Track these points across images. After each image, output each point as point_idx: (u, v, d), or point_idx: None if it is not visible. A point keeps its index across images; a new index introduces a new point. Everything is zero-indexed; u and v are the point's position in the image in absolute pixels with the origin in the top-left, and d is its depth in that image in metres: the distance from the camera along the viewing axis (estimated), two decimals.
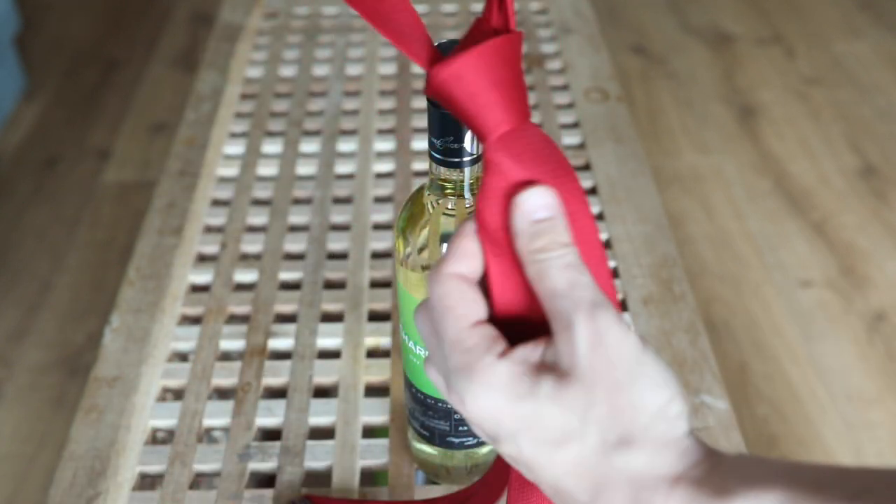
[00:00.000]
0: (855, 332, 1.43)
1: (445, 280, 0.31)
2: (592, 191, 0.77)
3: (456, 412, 0.48)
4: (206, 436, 0.60)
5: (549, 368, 0.29)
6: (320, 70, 0.94)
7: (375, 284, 0.69)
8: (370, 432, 0.59)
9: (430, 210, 0.44)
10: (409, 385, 0.50)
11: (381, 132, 0.85)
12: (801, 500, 0.26)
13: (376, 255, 0.71)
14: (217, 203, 0.78)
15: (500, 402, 0.29)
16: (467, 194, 0.42)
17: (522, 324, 0.32)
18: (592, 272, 0.31)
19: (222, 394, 0.63)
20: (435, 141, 0.40)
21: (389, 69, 0.93)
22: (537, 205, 0.30)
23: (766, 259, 1.56)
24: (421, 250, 0.46)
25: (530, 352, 0.30)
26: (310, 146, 0.83)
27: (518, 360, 0.30)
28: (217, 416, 0.59)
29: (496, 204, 0.31)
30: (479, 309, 0.31)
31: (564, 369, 0.29)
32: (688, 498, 0.28)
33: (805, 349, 1.40)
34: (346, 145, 0.83)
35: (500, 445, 0.30)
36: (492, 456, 0.53)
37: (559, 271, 0.30)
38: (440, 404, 0.49)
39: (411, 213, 0.46)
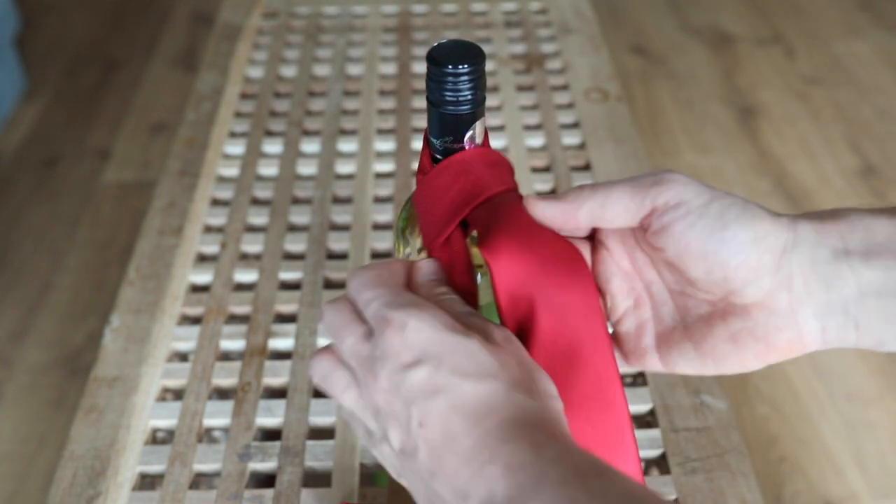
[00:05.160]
0: None
1: (428, 261, 0.39)
2: None
3: None
4: (206, 436, 0.60)
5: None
6: (320, 70, 0.94)
7: None
8: None
9: None
10: None
11: (381, 132, 0.85)
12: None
13: (376, 255, 0.71)
14: (217, 203, 0.78)
15: (437, 330, 0.33)
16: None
17: None
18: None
19: (222, 394, 0.63)
20: (435, 141, 0.40)
21: (389, 69, 0.94)
22: (430, 270, 0.38)
23: None
24: (420, 250, 0.46)
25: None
26: (310, 146, 0.83)
27: (471, 317, 0.35)
28: (217, 416, 0.59)
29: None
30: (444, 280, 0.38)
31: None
32: (544, 433, 0.31)
33: None
34: (346, 145, 0.83)
35: (415, 369, 0.33)
36: None
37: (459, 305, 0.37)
38: None
39: (411, 213, 0.46)
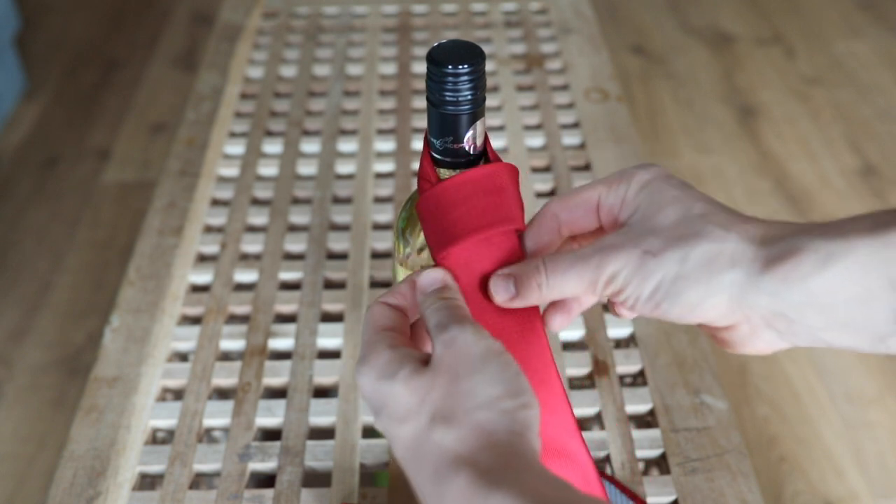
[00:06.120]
0: None
1: (376, 305, 0.39)
2: None
3: None
4: (206, 436, 0.60)
5: (420, 360, 0.36)
6: (320, 70, 0.94)
7: (375, 284, 0.69)
8: (370, 432, 0.59)
9: None
10: None
11: (381, 132, 0.85)
12: None
13: (376, 255, 0.71)
14: (217, 203, 0.78)
15: (371, 380, 0.35)
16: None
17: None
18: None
19: (222, 394, 0.63)
20: (435, 141, 0.40)
21: (389, 69, 0.94)
22: (429, 280, 0.39)
23: None
24: (420, 250, 0.46)
25: (413, 350, 0.37)
26: (310, 146, 0.83)
27: (398, 351, 0.36)
28: (217, 416, 0.59)
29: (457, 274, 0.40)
30: (390, 321, 0.38)
31: (427, 362, 0.36)
32: (469, 481, 0.31)
33: (805, 349, 1.40)
34: (346, 145, 0.83)
35: (376, 420, 0.36)
36: None
37: (435, 310, 0.38)
38: None
39: (411, 213, 0.46)
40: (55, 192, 1.76)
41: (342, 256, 0.72)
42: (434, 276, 0.39)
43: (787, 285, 0.34)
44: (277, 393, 0.62)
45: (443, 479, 0.31)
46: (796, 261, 0.33)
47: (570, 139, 0.83)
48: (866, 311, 0.33)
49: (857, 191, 1.70)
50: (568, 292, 0.38)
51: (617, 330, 0.64)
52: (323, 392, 0.62)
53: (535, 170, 0.80)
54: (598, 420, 0.58)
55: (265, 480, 0.59)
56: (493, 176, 0.40)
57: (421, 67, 0.94)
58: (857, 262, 0.32)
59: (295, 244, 0.72)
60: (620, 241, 0.37)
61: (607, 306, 0.42)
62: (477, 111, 0.39)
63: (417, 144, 0.83)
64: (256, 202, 0.77)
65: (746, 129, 1.87)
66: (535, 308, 0.40)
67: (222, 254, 0.72)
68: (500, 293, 0.39)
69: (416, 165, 0.80)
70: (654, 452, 0.56)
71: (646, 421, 0.59)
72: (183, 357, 0.65)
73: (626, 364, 0.61)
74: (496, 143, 0.83)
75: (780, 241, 0.34)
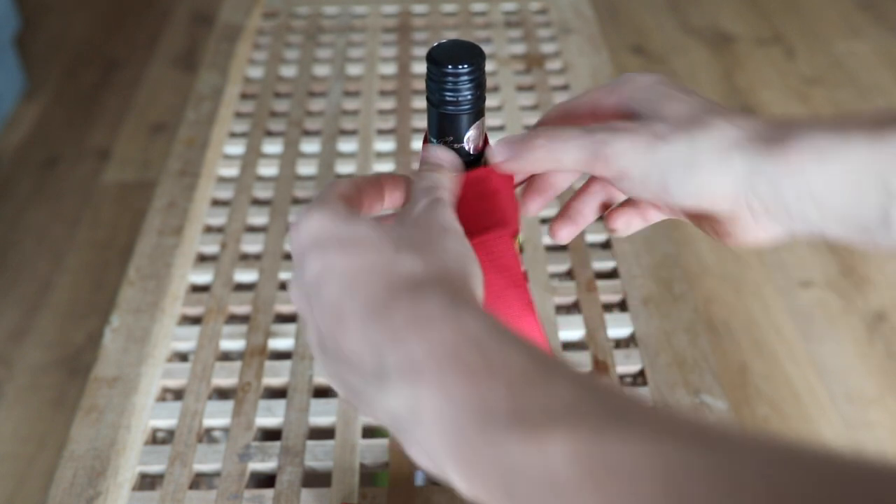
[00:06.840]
0: (855, 332, 1.43)
1: (345, 181, 0.38)
2: None
3: None
4: (206, 436, 0.60)
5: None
6: (320, 70, 0.94)
7: None
8: (370, 432, 0.59)
9: None
10: None
11: (381, 132, 0.85)
12: None
13: None
14: (217, 203, 0.78)
15: (324, 220, 0.33)
16: None
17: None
18: None
19: (222, 394, 0.63)
20: (435, 141, 0.40)
21: (389, 69, 0.94)
22: (440, 156, 0.40)
23: (766, 259, 1.56)
24: None
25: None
26: (310, 146, 0.83)
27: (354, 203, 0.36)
28: (217, 416, 0.59)
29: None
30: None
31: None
32: (442, 295, 0.30)
33: (805, 349, 1.40)
34: (346, 145, 0.83)
35: (307, 258, 0.33)
36: None
37: (428, 180, 0.38)
38: None
39: None
40: (55, 192, 1.76)
41: None
42: (445, 155, 0.40)
43: (787, 170, 0.35)
44: (277, 393, 0.62)
45: (406, 296, 0.30)
46: (796, 148, 0.35)
47: None
48: (857, 208, 0.34)
49: None
50: (566, 161, 0.38)
51: (617, 330, 0.64)
52: (323, 392, 0.62)
53: None
54: None
55: (265, 480, 0.59)
56: (486, 180, 0.40)
57: (421, 67, 0.94)
58: (852, 158, 0.34)
59: None
60: (628, 124, 0.38)
61: (602, 220, 0.44)
62: (477, 111, 0.39)
63: (417, 144, 0.83)
64: (256, 202, 0.77)
65: None
66: (530, 302, 0.40)
67: (222, 254, 0.72)
68: (502, 152, 0.39)
69: (416, 165, 0.80)
70: None
71: None
72: (183, 357, 0.65)
73: (626, 364, 0.61)
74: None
75: (782, 129, 0.36)
